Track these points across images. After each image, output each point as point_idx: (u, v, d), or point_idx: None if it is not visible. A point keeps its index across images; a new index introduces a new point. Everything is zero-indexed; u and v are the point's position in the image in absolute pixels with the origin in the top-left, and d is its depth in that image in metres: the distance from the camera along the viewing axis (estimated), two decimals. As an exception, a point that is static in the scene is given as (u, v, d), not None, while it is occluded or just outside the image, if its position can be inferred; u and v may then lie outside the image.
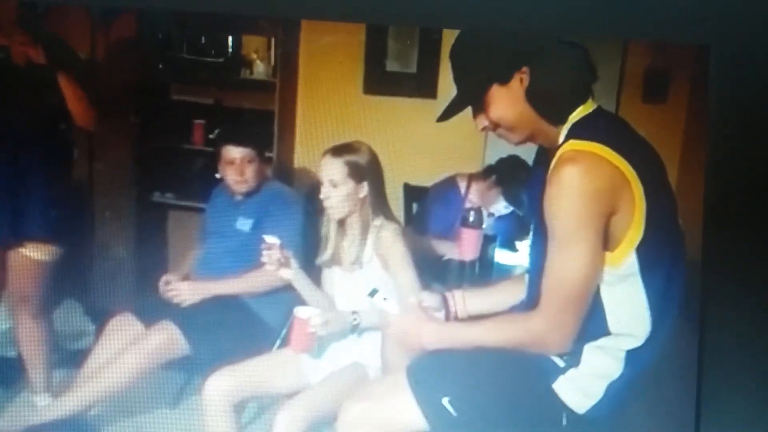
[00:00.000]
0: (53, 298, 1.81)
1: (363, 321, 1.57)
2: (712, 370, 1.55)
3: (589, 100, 1.31)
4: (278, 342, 1.71)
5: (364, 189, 1.60)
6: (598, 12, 1.52)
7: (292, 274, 1.63)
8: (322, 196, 1.61)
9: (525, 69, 1.28)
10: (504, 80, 1.30)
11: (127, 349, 1.67)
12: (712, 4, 1.53)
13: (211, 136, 1.98)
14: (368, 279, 1.59)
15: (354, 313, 1.57)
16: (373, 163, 1.61)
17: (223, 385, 1.55)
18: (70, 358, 1.76)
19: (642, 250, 1.26)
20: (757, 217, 1.57)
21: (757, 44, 1.55)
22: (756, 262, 1.57)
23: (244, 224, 1.82)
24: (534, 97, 1.29)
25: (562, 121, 1.30)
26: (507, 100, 1.30)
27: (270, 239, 1.62)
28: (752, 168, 1.58)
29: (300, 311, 1.57)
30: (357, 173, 1.59)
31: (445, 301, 1.43)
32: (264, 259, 1.62)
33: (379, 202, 1.61)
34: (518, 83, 1.29)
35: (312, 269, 1.69)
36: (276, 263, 1.61)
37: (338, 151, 1.60)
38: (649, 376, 1.33)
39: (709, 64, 1.53)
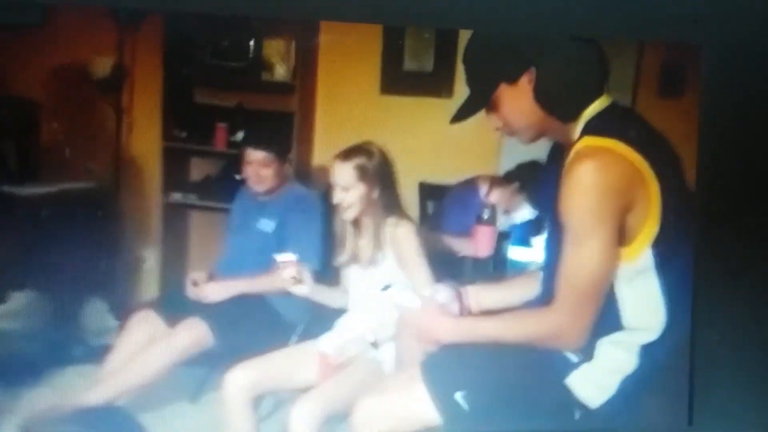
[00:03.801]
0: (78, 296, 1.86)
1: (381, 336, 1.59)
2: (703, 363, 1.55)
3: (604, 95, 1.31)
4: (295, 338, 1.73)
5: (376, 191, 1.62)
6: (594, 12, 1.53)
7: (307, 290, 1.68)
8: (334, 200, 1.65)
9: (532, 69, 1.30)
10: (512, 80, 1.31)
11: (154, 344, 1.72)
12: (703, 4, 1.53)
13: (233, 139, 2.01)
14: (384, 276, 1.61)
15: (370, 332, 1.60)
16: (383, 164, 1.63)
17: (242, 380, 1.58)
18: (93, 353, 1.79)
19: (658, 245, 1.26)
20: (749, 214, 1.57)
21: (749, 44, 1.55)
22: (747, 259, 1.57)
23: (266, 225, 1.85)
24: (542, 96, 1.30)
25: (573, 118, 1.31)
26: (516, 100, 1.32)
27: (285, 257, 1.67)
28: (744, 167, 1.57)
29: (320, 345, 1.62)
30: (367, 176, 1.62)
31: (458, 295, 1.44)
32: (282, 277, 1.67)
33: (391, 202, 1.63)
34: (526, 83, 1.31)
35: (332, 269, 1.72)
36: (291, 280, 1.66)
37: (347, 155, 1.63)
38: (664, 370, 1.32)
39: (700, 64, 1.53)
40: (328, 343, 1.63)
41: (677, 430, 1.55)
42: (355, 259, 1.68)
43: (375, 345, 1.59)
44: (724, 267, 1.57)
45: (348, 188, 1.62)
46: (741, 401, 1.58)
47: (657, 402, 1.44)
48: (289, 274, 1.66)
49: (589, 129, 1.29)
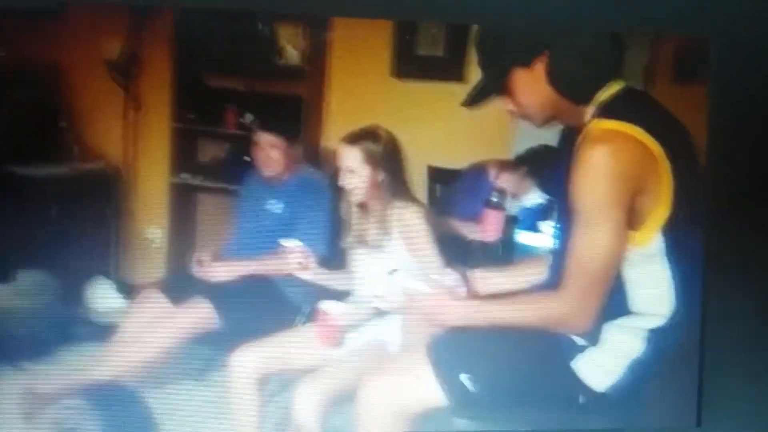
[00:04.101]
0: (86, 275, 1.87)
1: (385, 305, 1.58)
2: (712, 362, 1.55)
3: (618, 80, 1.30)
4: (302, 319, 1.73)
5: (381, 174, 1.62)
6: (595, 4, 1.52)
7: (312, 276, 1.69)
8: (340, 182, 1.65)
9: (546, 53, 1.29)
10: (526, 64, 1.31)
11: (160, 323, 1.72)
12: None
13: (242, 120, 2.01)
14: (392, 259, 1.61)
15: (376, 297, 1.59)
16: (389, 148, 1.63)
17: (248, 360, 1.59)
18: (100, 332, 1.81)
19: (668, 230, 1.25)
20: (758, 208, 1.56)
21: (756, 35, 1.54)
22: (757, 254, 1.56)
23: (274, 206, 1.86)
24: (556, 79, 1.30)
25: (587, 101, 1.30)
26: (529, 84, 1.32)
27: (290, 243, 1.67)
28: (753, 157, 1.57)
29: (322, 305, 1.61)
30: (372, 159, 1.62)
31: (465, 279, 1.43)
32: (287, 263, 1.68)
33: (398, 186, 1.63)
34: (540, 66, 1.30)
35: (338, 251, 1.73)
36: (297, 266, 1.67)
37: (353, 138, 1.64)
38: (673, 367, 1.32)
39: (708, 56, 1.52)
40: (329, 303, 1.62)
41: (686, 430, 1.55)
42: (361, 241, 1.68)
43: (379, 313, 1.59)
44: (735, 260, 1.56)
45: (354, 171, 1.63)
46: (750, 402, 1.58)
47: (665, 402, 1.44)
48: (294, 259, 1.67)
49: (602, 112, 1.29)
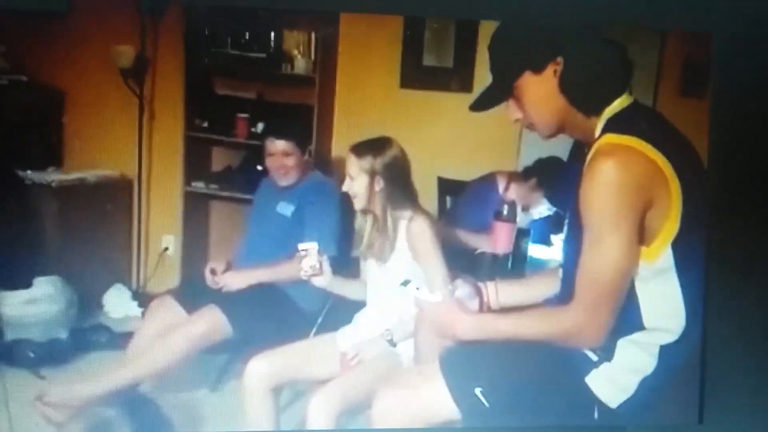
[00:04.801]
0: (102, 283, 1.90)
1: (396, 335, 1.62)
2: (714, 361, 1.55)
3: (626, 94, 1.30)
4: (314, 329, 1.76)
5: (379, 183, 1.64)
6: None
7: (326, 282, 1.71)
8: (343, 187, 1.68)
9: (559, 59, 1.29)
10: (538, 68, 1.30)
11: (174, 331, 1.74)
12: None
13: (254, 130, 2.03)
14: (400, 270, 1.62)
15: (387, 330, 1.62)
16: (394, 159, 1.65)
17: (263, 370, 1.61)
18: (117, 339, 1.83)
19: (678, 245, 1.25)
20: (759, 206, 1.56)
21: (758, 31, 1.53)
22: (757, 253, 1.56)
23: (285, 209, 1.88)
24: (567, 87, 1.29)
25: (597, 112, 1.29)
26: (540, 90, 1.30)
27: (307, 245, 1.69)
28: (755, 160, 1.56)
29: (339, 341, 1.65)
30: (372, 169, 1.64)
31: (478, 291, 1.44)
32: (301, 270, 1.70)
33: (401, 196, 1.65)
34: (552, 73, 1.29)
35: (350, 260, 1.74)
36: (311, 270, 1.69)
37: (358, 147, 1.67)
38: (684, 372, 1.32)
39: (711, 52, 1.51)
40: (346, 341, 1.66)
41: (688, 427, 1.56)
42: (370, 252, 1.69)
43: (392, 343, 1.61)
44: (736, 259, 1.57)
45: (353, 178, 1.66)
46: (751, 399, 1.58)
47: (668, 400, 1.44)
48: (309, 263, 1.69)
49: (611, 127, 1.28)
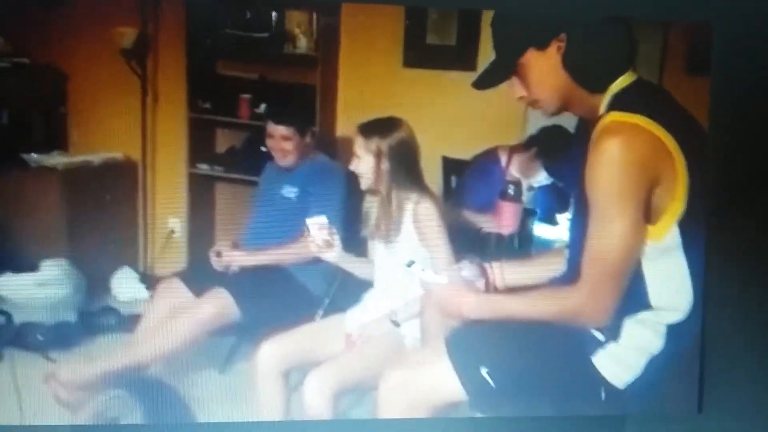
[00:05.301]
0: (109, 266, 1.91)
1: (401, 316, 1.61)
2: (714, 351, 1.55)
3: (630, 71, 1.29)
4: (321, 312, 1.76)
5: (386, 164, 1.63)
6: None
7: (336, 257, 1.71)
8: (350, 166, 1.68)
9: (563, 36, 1.28)
10: (541, 45, 1.29)
11: (181, 313, 1.75)
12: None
13: (257, 110, 2.02)
14: (407, 251, 1.62)
15: (392, 311, 1.62)
16: (401, 141, 1.63)
17: (276, 353, 1.62)
18: (125, 322, 1.85)
19: (684, 224, 1.25)
20: (758, 197, 1.55)
21: (758, 21, 1.51)
22: (757, 243, 1.55)
23: (289, 191, 1.87)
24: (571, 63, 1.28)
25: (601, 89, 1.29)
26: (544, 67, 1.30)
27: (316, 220, 1.69)
28: (754, 147, 1.55)
29: (346, 323, 1.66)
30: (376, 150, 1.63)
31: (484, 272, 1.44)
32: (310, 242, 1.69)
33: (408, 178, 1.64)
34: (555, 49, 1.29)
35: (356, 240, 1.74)
36: (322, 244, 1.69)
37: (366, 126, 1.65)
38: (691, 352, 1.32)
39: (711, 42, 1.49)
40: (352, 322, 1.66)
41: (687, 417, 1.56)
42: (377, 232, 1.69)
43: (396, 324, 1.61)
44: (735, 249, 1.56)
45: (360, 158, 1.66)
46: (751, 389, 1.58)
47: (667, 388, 1.44)
48: (320, 236, 1.69)
49: (616, 104, 1.27)
